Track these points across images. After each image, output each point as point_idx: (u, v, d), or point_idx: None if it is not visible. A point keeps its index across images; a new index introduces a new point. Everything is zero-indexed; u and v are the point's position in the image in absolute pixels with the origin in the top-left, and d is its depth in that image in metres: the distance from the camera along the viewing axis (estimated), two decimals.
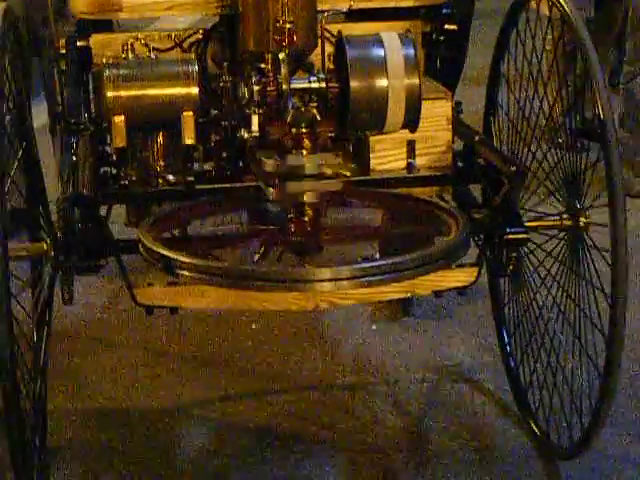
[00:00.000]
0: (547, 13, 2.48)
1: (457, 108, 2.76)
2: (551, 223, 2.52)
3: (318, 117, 2.35)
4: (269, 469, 2.64)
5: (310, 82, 2.35)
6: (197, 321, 3.35)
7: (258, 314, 3.31)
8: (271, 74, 2.36)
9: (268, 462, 2.66)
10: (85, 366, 3.16)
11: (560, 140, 2.55)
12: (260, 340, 3.31)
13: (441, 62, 2.86)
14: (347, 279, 2.22)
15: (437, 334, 3.36)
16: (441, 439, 2.77)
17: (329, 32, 2.52)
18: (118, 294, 3.46)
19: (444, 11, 2.77)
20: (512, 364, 2.88)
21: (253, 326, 3.36)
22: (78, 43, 2.68)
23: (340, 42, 2.36)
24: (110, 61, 2.50)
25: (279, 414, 2.90)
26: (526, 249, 2.58)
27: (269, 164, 2.33)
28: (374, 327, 3.39)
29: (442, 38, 2.81)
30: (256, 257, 2.42)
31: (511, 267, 2.52)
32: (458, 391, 3.04)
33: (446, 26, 2.76)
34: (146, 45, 2.63)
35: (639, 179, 4.52)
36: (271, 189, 2.35)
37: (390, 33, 2.38)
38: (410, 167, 2.63)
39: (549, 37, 2.65)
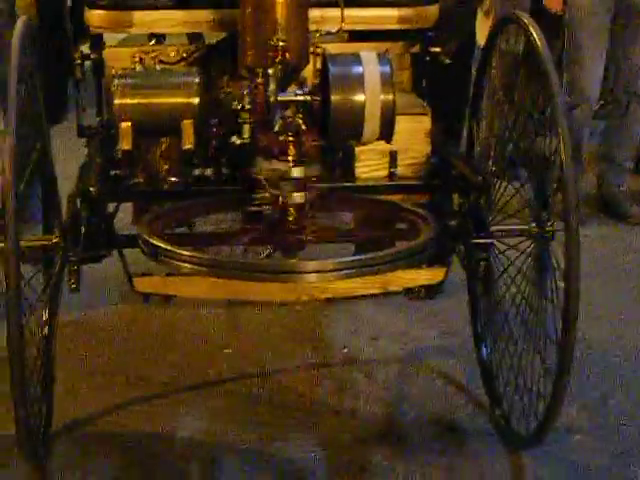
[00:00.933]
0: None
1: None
2: (519, 228, 2.74)
3: (303, 127, 2.60)
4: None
5: (296, 95, 2.60)
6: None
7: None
8: (261, 87, 2.61)
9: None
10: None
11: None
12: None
13: (437, 84, 3.12)
14: (329, 271, 2.46)
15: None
16: (414, 421, 3.02)
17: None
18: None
19: (429, 34, 3.02)
20: (484, 355, 3.11)
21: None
22: (92, 55, 2.97)
23: (324, 59, 2.61)
24: (120, 72, 2.77)
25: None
26: (498, 252, 2.81)
27: (257, 169, 2.60)
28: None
29: (428, 59, 3.06)
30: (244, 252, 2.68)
31: (480, 270, 2.76)
32: (432, 379, 3.29)
33: (431, 49, 3.01)
34: (154, 58, 2.91)
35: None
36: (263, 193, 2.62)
37: (369, 52, 2.64)
38: (391, 176, 2.87)
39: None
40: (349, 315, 3.68)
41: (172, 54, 2.97)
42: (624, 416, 3.03)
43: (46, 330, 2.74)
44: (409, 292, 2.76)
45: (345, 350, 3.46)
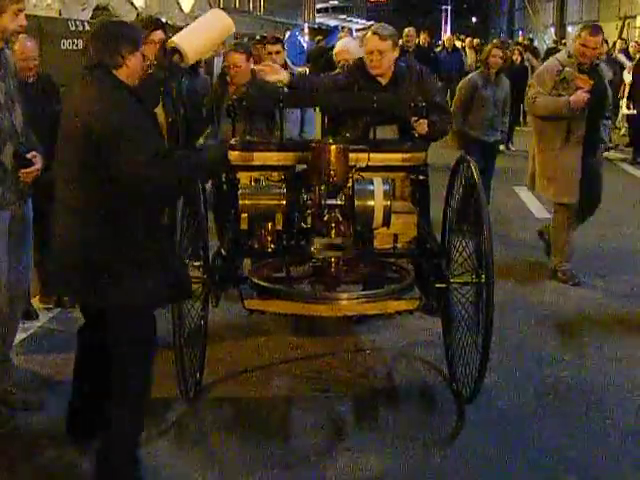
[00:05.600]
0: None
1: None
2: (463, 280, 4.71)
3: (340, 219, 4.68)
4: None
5: (336, 200, 4.68)
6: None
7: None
8: (318, 196, 4.70)
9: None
10: None
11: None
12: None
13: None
14: (353, 299, 4.55)
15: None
16: (391, 387, 5.05)
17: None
18: None
19: (420, 168, 5.08)
20: (447, 348, 5.11)
21: None
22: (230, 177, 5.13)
23: (352, 181, 4.70)
24: (243, 186, 4.89)
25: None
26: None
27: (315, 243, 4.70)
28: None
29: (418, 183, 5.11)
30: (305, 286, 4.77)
31: (441, 302, 4.78)
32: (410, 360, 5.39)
33: (420, 177, 5.06)
34: (266, 178, 5.02)
35: None
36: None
37: (378, 178, 4.70)
38: (394, 248, 4.93)
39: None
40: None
41: (275, 176, 5.09)
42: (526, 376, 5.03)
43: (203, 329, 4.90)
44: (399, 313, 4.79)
45: (368, 351, 5.55)
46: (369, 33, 5.55)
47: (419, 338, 5.73)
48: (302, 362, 5.42)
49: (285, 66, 7.05)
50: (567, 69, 6.72)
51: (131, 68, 3.85)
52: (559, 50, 10.91)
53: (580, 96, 6.57)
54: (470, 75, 8.85)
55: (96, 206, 3.75)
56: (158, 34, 5.71)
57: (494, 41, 9.84)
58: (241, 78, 6.40)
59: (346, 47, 7.12)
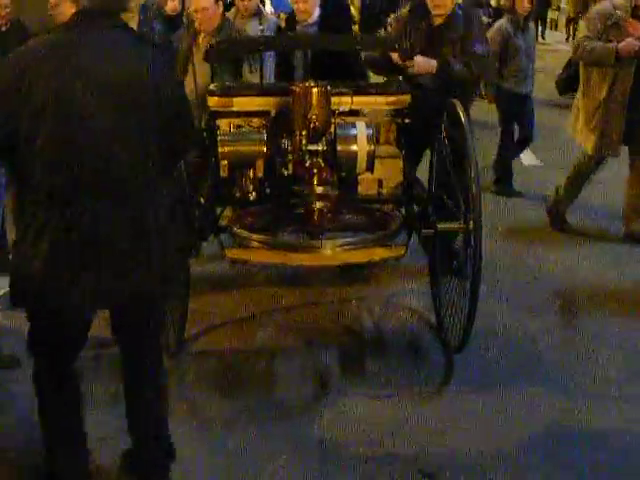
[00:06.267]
0: None
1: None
2: (450, 227, 4.56)
3: (322, 164, 4.52)
4: None
5: (318, 146, 4.52)
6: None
7: None
8: (300, 141, 4.53)
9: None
10: None
11: None
12: None
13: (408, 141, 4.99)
14: (337, 247, 4.40)
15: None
16: (387, 338, 4.94)
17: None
18: None
19: (404, 111, 4.92)
20: (434, 295, 4.98)
21: None
22: (210, 123, 4.96)
23: (335, 126, 4.54)
24: (222, 132, 4.74)
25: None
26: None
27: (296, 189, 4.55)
28: None
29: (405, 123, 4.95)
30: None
31: (428, 249, 4.65)
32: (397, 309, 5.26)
33: (406, 120, 4.91)
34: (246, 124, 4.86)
35: None
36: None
37: (361, 122, 4.54)
38: (379, 194, 4.79)
39: None
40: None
41: (255, 122, 4.93)
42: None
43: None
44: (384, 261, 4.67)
45: (354, 302, 5.45)
46: None
47: (406, 286, 5.61)
48: (286, 313, 5.30)
49: (259, 13, 6.74)
50: (618, 12, 6.17)
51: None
52: None
53: (630, 44, 6.01)
54: (499, 23, 8.08)
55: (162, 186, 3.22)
56: None
57: None
58: (210, 24, 5.82)
59: None
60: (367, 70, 5.95)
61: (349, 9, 13.25)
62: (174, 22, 7.44)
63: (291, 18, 6.10)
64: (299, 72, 5.72)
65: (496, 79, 7.84)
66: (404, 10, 5.67)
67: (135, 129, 3.02)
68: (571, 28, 22.47)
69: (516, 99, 7.85)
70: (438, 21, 5.46)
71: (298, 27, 5.95)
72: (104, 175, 2.99)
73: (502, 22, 7.94)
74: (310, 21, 5.88)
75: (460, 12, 5.50)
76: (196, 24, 5.91)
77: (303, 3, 5.82)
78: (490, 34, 7.51)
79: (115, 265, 3.06)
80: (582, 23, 6.76)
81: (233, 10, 6.75)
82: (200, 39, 5.90)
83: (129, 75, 3.00)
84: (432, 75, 5.31)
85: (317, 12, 5.90)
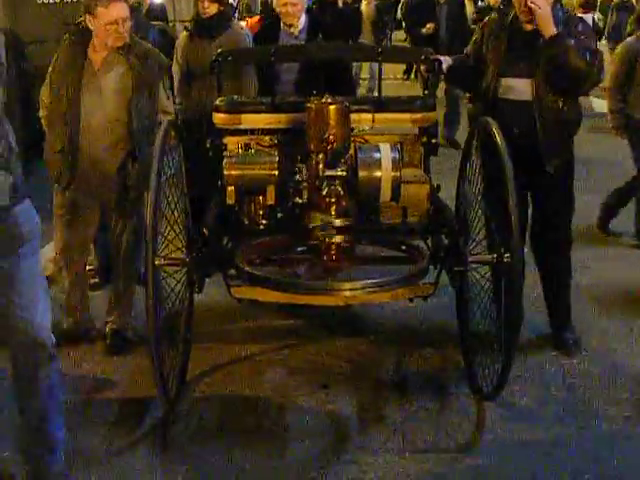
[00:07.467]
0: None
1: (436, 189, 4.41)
2: (483, 259, 4.06)
3: (342, 192, 4.01)
4: None
5: (337, 171, 4.01)
6: None
7: None
8: (316, 165, 4.03)
9: None
10: None
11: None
12: None
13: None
14: (358, 289, 3.88)
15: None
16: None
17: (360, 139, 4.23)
18: None
19: (430, 130, 4.43)
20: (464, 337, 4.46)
21: None
22: (216, 142, 4.46)
23: (355, 148, 4.03)
24: (229, 153, 4.25)
25: None
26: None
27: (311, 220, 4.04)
28: None
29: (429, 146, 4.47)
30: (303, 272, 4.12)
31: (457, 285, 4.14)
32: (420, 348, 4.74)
33: (433, 140, 4.41)
34: (256, 143, 4.36)
35: None
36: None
37: (385, 144, 4.03)
38: (403, 224, 4.28)
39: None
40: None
41: (265, 140, 4.44)
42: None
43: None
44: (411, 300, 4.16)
45: (372, 337, 4.90)
46: None
47: (432, 320, 5.08)
48: (296, 351, 4.80)
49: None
50: None
51: None
52: None
53: None
54: (627, 41, 6.71)
55: None
56: None
57: None
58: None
59: None
60: (356, 84, 5.47)
61: (360, 20, 12.80)
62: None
63: (272, 23, 5.66)
64: (287, 85, 5.29)
65: (623, 106, 6.47)
66: (492, 16, 4.86)
67: None
68: None
69: None
70: (528, 27, 4.53)
71: (283, 34, 5.50)
72: None
73: (631, 40, 6.61)
74: (300, 27, 5.51)
75: (560, 14, 4.49)
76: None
77: (292, 6, 5.44)
78: (616, 51, 6.70)
79: None
80: None
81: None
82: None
83: None
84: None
85: (304, 19, 5.53)
